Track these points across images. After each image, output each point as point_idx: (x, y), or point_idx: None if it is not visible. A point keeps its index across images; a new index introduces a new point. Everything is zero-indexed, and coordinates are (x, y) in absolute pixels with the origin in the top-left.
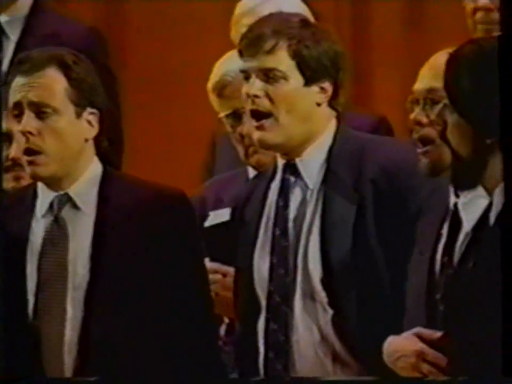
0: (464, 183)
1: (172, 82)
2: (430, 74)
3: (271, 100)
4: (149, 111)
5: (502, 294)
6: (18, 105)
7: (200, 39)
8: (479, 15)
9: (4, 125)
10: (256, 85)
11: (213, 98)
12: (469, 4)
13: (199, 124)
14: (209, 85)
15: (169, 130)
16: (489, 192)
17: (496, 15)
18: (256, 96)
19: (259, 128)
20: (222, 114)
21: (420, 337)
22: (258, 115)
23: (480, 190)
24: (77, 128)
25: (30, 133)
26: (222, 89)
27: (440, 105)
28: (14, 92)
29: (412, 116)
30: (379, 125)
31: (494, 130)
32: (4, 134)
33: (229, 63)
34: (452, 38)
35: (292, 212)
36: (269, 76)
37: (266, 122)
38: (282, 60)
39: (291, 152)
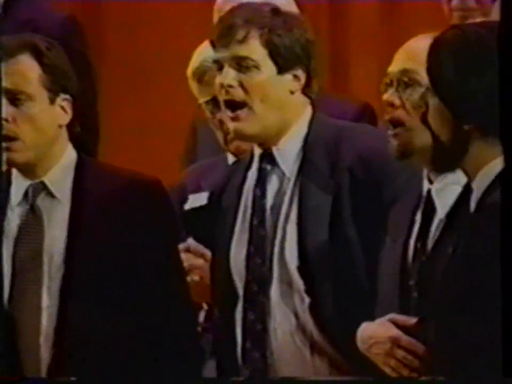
0: (443, 166)
1: (149, 70)
2: (404, 56)
3: (244, 89)
4: (127, 99)
5: (502, 294)
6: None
7: (179, 26)
8: (455, 1)
9: None
10: (229, 75)
11: (192, 85)
12: None
13: (178, 111)
14: (189, 71)
15: (147, 118)
16: (470, 177)
17: (471, 2)
18: (230, 86)
19: (234, 119)
20: (201, 101)
21: (394, 324)
22: (233, 105)
23: (454, 177)
24: (51, 114)
25: (5, 120)
26: (201, 75)
27: (422, 89)
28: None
29: (385, 96)
30: (363, 111)
31: (472, 117)
32: None
33: (208, 50)
34: (428, 25)
35: (269, 201)
36: (241, 65)
37: (241, 113)
38: (255, 49)
39: (267, 142)
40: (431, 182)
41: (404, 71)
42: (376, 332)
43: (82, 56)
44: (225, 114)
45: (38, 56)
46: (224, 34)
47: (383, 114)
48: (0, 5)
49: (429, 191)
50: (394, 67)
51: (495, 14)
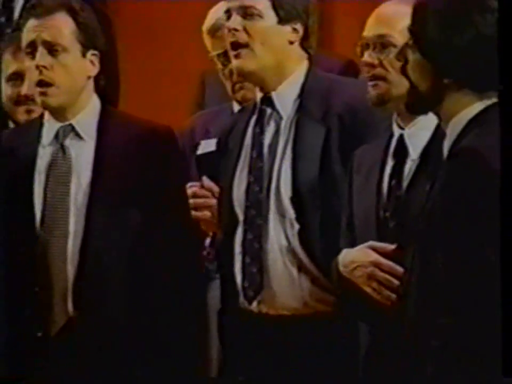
0: (417, 110)
1: (162, 28)
2: (378, 22)
3: (248, 33)
4: (143, 53)
5: (502, 294)
6: (32, 43)
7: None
8: None
9: (15, 66)
10: (236, 21)
11: (207, 39)
12: None
13: (188, 64)
14: (204, 27)
15: (160, 71)
16: (443, 123)
17: None
18: (235, 29)
19: (236, 56)
20: (214, 53)
21: (374, 250)
22: (236, 46)
23: (424, 123)
24: (82, 66)
25: (44, 66)
26: (215, 31)
27: (396, 49)
28: (27, 32)
29: (364, 58)
30: (347, 66)
31: (452, 72)
32: (16, 73)
33: (222, 10)
34: None
35: (267, 139)
36: (247, 13)
37: (242, 51)
38: (260, 1)
39: (266, 85)
40: (401, 127)
41: (379, 36)
42: (357, 257)
43: (104, 15)
44: (230, 54)
45: (73, 14)
46: None
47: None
48: None
49: (401, 135)
50: (368, 32)
51: None
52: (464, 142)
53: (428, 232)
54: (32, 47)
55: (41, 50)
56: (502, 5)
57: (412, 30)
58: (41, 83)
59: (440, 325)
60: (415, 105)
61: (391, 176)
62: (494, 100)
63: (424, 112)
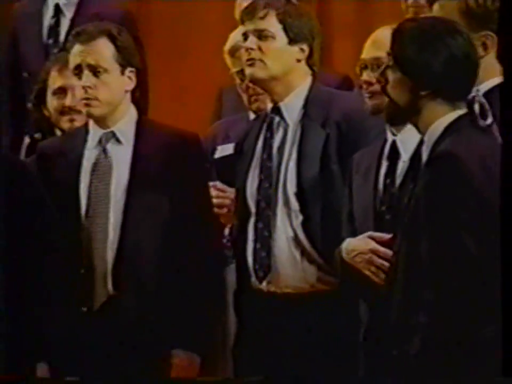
0: (397, 121)
1: (186, 48)
2: (374, 46)
3: (262, 51)
4: (169, 70)
5: (502, 295)
6: (78, 66)
7: (209, 15)
8: (410, 1)
9: (61, 81)
10: (252, 41)
11: (227, 58)
12: None
13: (208, 80)
14: (226, 48)
15: (185, 86)
16: (421, 132)
17: (422, 1)
18: (251, 48)
19: (250, 65)
20: (233, 70)
21: (372, 239)
22: (251, 60)
23: (413, 130)
24: (121, 82)
25: (89, 87)
26: (234, 51)
27: (382, 67)
28: (74, 56)
29: (363, 77)
30: (343, 82)
31: (428, 84)
32: (61, 88)
33: (240, 33)
34: (390, 19)
35: (276, 142)
36: (261, 35)
37: (256, 63)
38: (272, 24)
39: (275, 95)
40: (394, 134)
41: (375, 58)
42: (358, 245)
43: (136, 38)
44: (245, 66)
45: (112, 39)
46: (250, 13)
47: (358, 85)
48: (75, 3)
49: (394, 141)
50: (366, 54)
51: (436, 11)
52: (441, 147)
53: (411, 222)
54: (78, 70)
55: (86, 73)
56: (503, 5)
57: (392, 52)
58: (86, 99)
59: (424, 301)
60: (395, 117)
61: (386, 176)
62: (465, 110)
63: (403, 123)
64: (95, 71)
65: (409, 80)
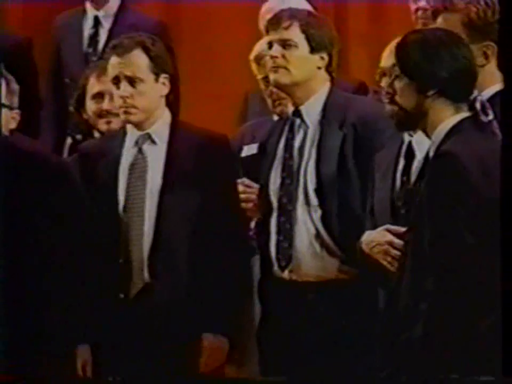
0: (407, 128)
1: (214, 55)
2: (392, 55)
3: (285, 59)
4: (198, 76)
5: (502, 295)
6: (116, 77)
7: (234, 25)
8: (419, 13)
9: (98, 87)
10: (276, 50)
11: (253, 66)
12: (412, 5)
13: (235, 85)
14: (252, 56)
15: (213, 90)
16: (428, 134)
17: (429, 13)
18: (276, 56)
19: (275, 72)
20: (259, 77)
21: (389, 232)
22: (276, 68)
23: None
24: (156, 89)
25: (126, 96)
26: (260, 59)
27: (391, 79)
28: (112, 68)
29: (382, 83)
30: (358, 87)
31: (433, 86)
32: (99, 93)
33: (265, 42)
34: (402, 29)
35: (297, 143)
36: (285, 44)
37: (279, 69)
38: (296, 34)
39: (297, 99)
40: (410, 135)
41: (393, 66)
42: (376, 237)
43: (169, 47)
44: (270, 72)
45: (146, 50)
46: (275, 23)
47: (372, 90)
48: (113, 15)
49: (410, 142)
50: (385, 63)
51: (439, 24)
52: (443, 147)
53: (417, 216)
54: (116, 80)
55: (124, 84)
56: (503, 5)
57: (398, 62)
58: (125, 107)
59: (425, 289)
60: (404, 124)
61: (402, 173)
62: (468, 112)
63: (412, 129)
64: (132, 81)
65: (415, 83)
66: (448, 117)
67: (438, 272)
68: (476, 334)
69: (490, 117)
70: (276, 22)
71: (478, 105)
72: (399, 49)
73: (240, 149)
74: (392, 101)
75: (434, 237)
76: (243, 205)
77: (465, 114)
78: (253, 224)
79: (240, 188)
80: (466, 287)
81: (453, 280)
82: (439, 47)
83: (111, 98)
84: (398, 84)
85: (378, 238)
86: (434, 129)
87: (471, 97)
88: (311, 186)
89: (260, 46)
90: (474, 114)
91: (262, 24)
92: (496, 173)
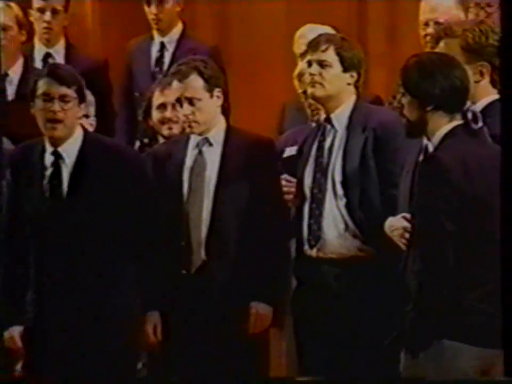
0: (413, 136)
1: (259, 73)
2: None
3: (322, 77)
4: (245, 89)
5: (502, 295)
6: (179, 99)
7: (275, 48)
8: (427, 38)
9: (162, 99)
10: (315, 69)
11: (295, 81)
12: (422, 31)
13: (276, 98)
14: (295, 74)
15: (257, 101)
16: (429, 139)
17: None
18: (314, 74)
19: (312, 86)
20: (300, 91)
21: (405, 219)
22: (313, 83)
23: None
24: (212, 103)
25: (189, 114)
26: (301, 76)
27: (398, 96)
28: (174, 91)
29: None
30: (375, 100)
31: (431, 102)
32: (162, 104)
33: (305, 63)
34: (413, 51)
35: (327, 144)
36: (322, 64)
37: (316, 84)
38: (331, 55)
39: (328, 108)
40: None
41: (399, 85)
42: (395, 223)
43: (220, 66)
44: (308, 87)
45: (201, 74)
46: (314, 46)
47: (387, 103)
48: (176, 40)
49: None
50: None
51: (441, 48)
52: (430, 153)
53: (414, 209)
54: (179, 102)
55: (185, 104)
56: (504, 5)
57: (402, 83)
58: (188, 123)
59: (415, 270)
60: (411, 132)
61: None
62: (460, 120)
63: (418, 136)
64: (191, 101)
65: (417, 101)
66: (444, 125)
67: (425, 251)
68: (459, 305)
69: (480, 124)
70: (315, 45)
71: (469, 115)
72: (402, 72)
73: (283, 151)
74: (402, 114)
75: (421, 225)
76: (285, 196)
77: (458, 122)
78: (292, 212)
79: (283, 183)
80: (448, 266)
81: (436, 257)
82: (433, 69)
83: (172, 108)
84: (404, 100)
85: (396, 224)
86: (433, 135)
87: (464, 108)
88: (338, 180)
89: (302, 65)
90: (466, 122)
91: (296, 47)
92: (478, 172)
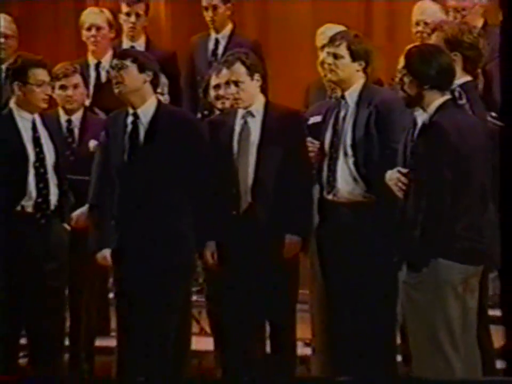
0: (412, 106)
1: (290, 60)
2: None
3: (336, 65)
4: (280, 74)
5: (501, 295)
6: (227, 82)
7: (302, 40)
8: (417, 35)
9: (217, 81)
10: (330, 59)
11: (319, 68)
12: (413, 29)
13: (303, 80)
14: (318, 61)
15: (288, 82)
16: (424, 109)
17: (425, 34)
18: (329, 64)
19: (330, 72)
20: (322, 75)
21: (400, 172)
22: (330, 70)
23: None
24: (252, 85)
25: (234, 93)
26: (322, 64)
27: (401, 74)
28: (224, 76)
29: (397, 78)
30: (376, 82)
31: (428, 81)
32: (217, 85)
33: (325, 53)
34: (407, 45)
35: (341, 115)
36: (336, 56)
37: (332, 71)
38: (343, 49)
39: (343, 88)
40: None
41: (403, 67)
42: (391, 175)
43: (260, 56)
44: (327, 72)
45: (243, 63)
46: (331, 41)
47: (388, 84)
48: (227, 37)
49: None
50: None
51: (432, 40)
52: (433, 119)
53: (417, 162)
54: (227, 84)
55: (232, 86)
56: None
57: (406, 65)
58: (235, 99)
59: (421, 206)
60: (410, 103)
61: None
62: (449, 96)
63: (414, 106)
64: (236, 83)
65: (416, 80)
66: (437, 99)
67: (428, 194)
68: (451, 233)
69: (464, 101)
70: (331, 40)
71: (456, 93)
72: (406, 57)
73: (307, 119)
74: (402, 90)
75: (426, 173)
76: (310, 154)
77: (448, 97)
78: (315, 166)
79: (308, 144)
80: (445, 204)
81: (437, 197)
82: (430, 56)
83: (225, 88)
84: (405, 79)
85: (393, 175)
86: (428, 106)
87: (452, 87)
88: (348, 143)
89: (322, 55)
90: (453, 97)
91: (317, 41)
92: (467, 135)
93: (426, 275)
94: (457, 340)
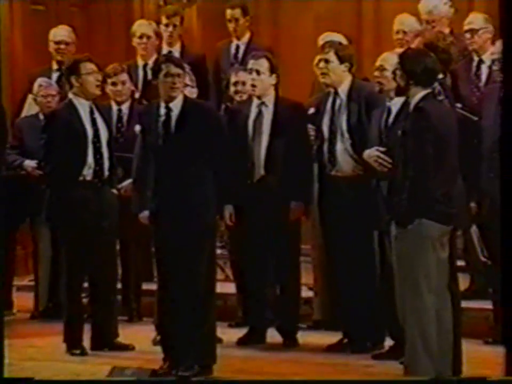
0: (400, 95)
1: (298, 62)
2: (383, 60)
3: (327, 68)
4: (290, 72)
5: (502, 299)
6: (251, 69)
7: (309, 46)
8: (398, 42)
9: (235, 78)
10: (322, 64)
11: (315, 69)
12: (395, 36)
13: (309, 78)
14: (314, 65)
15: (297, 79)
16: (410, 100)
17: (403, 42)
18: (321, 68)
19: (321, 75)
20: (318, 75)
21: (377, 150)
22: (323, 74)
23: (402, 99)
24: (270, 79)
25: (254, 81)
26: (316, 67)
27: (393, 68)
28: (249, 65)
29: (376, 74)
30: (364, 79)
31: (413, 77)
32: (236, 82)
33: (317, 59)
34: (389, 49)
35: (337, 106)
36: (327, 60)
37: (323, 74)
38: (331, 55)
39: (335, 86)
40: (389, 102)
41: (381, 65)
42: (370, 153)
43: (273, 56)
44: (319, 75)
45: (268, 59)
46: (322, 49)
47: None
48: (246, 43)
49: (390, 105)
50: (381, 62)
51: (415, 44)
52: (419, 105)
53: (403, 140)
54: (250, 71)
55: (253, 73)
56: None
57: (399, 63)
58: (253, 86)
59: (408, 174)
60: (399, 93)
61: (385, 121)
62: (430, 90)
63: (402, 95)
64: (258, 72)
65: (405, 75)
66: (420, 92)
67: (414, 165)
68: (432, 197)
69: (442, 97)
70: (322, 48)
71: (436, 91)
72: (401, 56)
73: (308, 110)
74: (394, 80)
75: (411, 148)
76: (311, 138)
77: (429, 90)
78: (315, 148)
79: (309, 129)
80: (428, 175)
81: (422, 167)
82: (418, 57)
83: (243, 84)
84: (398, 73)
85: (371, 153)
86: (413, 97)
87: (433, 85)
88: (344, 129)
89: (316, 60)
90: (433, 92)
91: (319, 45)
92: (445, 120)
93: (411, 231)
94: (432, 284)
